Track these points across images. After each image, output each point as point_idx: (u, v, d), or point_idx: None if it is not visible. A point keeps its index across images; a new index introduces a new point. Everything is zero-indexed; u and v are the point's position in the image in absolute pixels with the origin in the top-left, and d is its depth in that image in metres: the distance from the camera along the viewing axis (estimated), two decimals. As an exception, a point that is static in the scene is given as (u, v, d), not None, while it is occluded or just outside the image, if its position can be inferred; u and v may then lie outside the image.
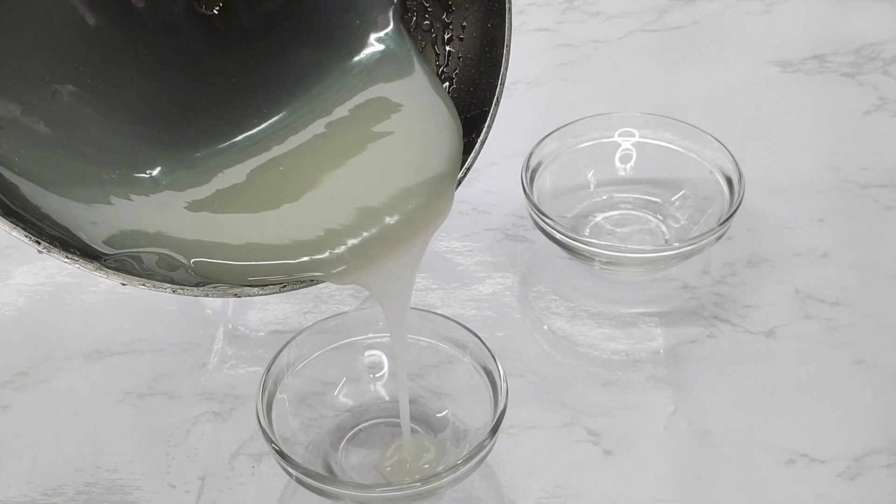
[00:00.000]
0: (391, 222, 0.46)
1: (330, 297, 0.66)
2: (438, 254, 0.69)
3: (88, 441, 0.59)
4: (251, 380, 0.61)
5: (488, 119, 0.49)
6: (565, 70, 0.85)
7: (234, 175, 0.48)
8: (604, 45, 0.87)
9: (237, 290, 0.44)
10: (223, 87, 0.50)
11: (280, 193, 0.47)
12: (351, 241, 0.45)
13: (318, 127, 0.50)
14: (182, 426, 0.59)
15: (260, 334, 0.64)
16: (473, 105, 0.50)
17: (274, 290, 0.45)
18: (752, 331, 0.63)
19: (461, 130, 0.49)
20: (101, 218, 0.44)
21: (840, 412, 0.59)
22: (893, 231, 0.70)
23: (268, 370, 0.55)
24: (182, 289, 0.42)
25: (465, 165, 0.48)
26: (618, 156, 0.72)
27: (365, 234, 0.46)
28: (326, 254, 0.45)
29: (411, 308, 0.59)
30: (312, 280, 0.45)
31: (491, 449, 0.53)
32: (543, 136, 0.69)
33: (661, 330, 0.64)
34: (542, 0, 0.91)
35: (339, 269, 0.45)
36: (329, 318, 0.58)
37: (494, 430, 0.52)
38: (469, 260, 0.69)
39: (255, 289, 0.44)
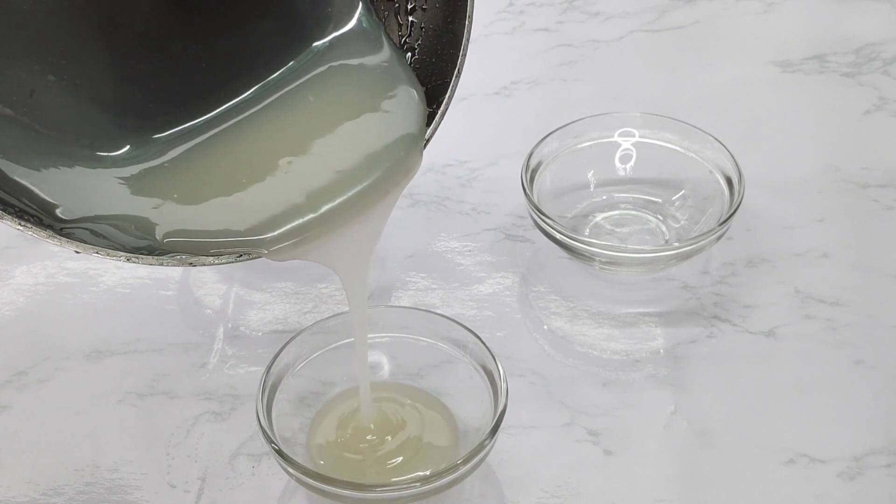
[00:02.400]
0: (330, 206, 0.46)
1: (330, 297, 0.66)
2: (438, 254, 0.69)
3: (88, 441, 0.59)
4: (251, 380, 0.61)
5: (449, 90, 0.49)
6: (565, 70, 0.85)
7: (199, 152, 0.49)
8: (604, 45, 0.87)
9: (193, 260, 0.44)
10: (191, 68, 0.50)
11: (243, 169, 0.48)
12: (287, 224, 0.46)
13: (282, 103, 0.50)
14: (182, 426, 0.59)
15: (260, 334, 0.64)
16: (435, 76, 0.50)
17: (230, 260, 0.45)
18: (752, 331, 0.63)
19: (424, 105, 0.49)
20: (63, 191, 0.45)
21: (840, 412, 0.59)
22: (893, 231, 0.70)
23: (268, 370, 0.55)
24: (137, 257, 0.43)
25: (425, 136, 0.48)
26: (618, 156, 0.72)
27: (305, 215, 0.46)
28: (266, 234, 0.45)
29: (412, 308, 0.59)
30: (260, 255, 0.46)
31: (491, 449, 0.53)
32: (543, 136, 0.69)
33: (661, 330, 0.64)
34: (542, 0, 0.91)
35: (276, 247, 0.46)
36: (329, 318, 0.58)
37: (494, 430, 0.52)
38: (469, 260, 0.69)
39: (211, 258, 0.44)
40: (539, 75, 0.84)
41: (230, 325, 0.65)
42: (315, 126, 0.49)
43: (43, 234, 0.41)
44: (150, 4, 0.49)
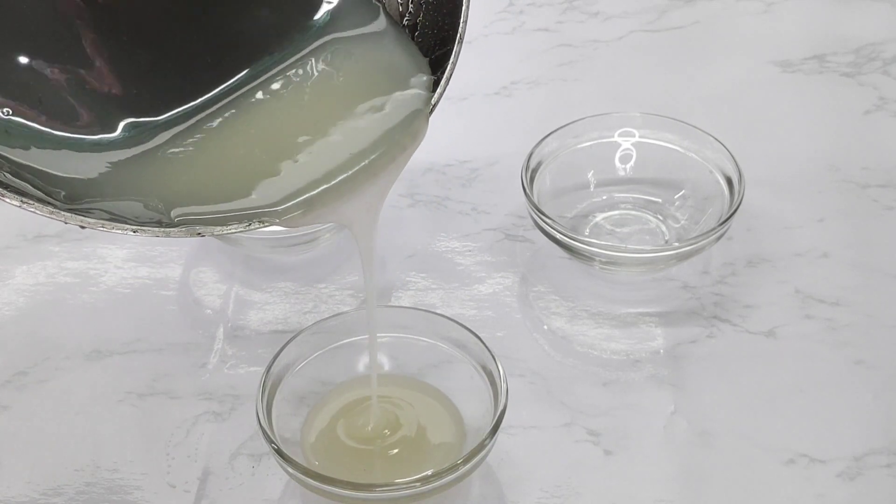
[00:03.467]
0: (339, 178, 0.46)
1: (330, 297, 0.66)
2: (438, 254, 0.69)
3: (88, 441, 0.59)
4: (251, 380, 0.61)
5: (452, 56, 0.49)
6: (565, 70, 0.85)
7: (204, 130, 0.49)
8: (604, 45, 0.87)
9: (201, 229, 0.44)
10: (192, 55, 0.51)
11: (248, 143, 0.48)
12: (294, 197, 0.46)
13: (284, 78, 0.51)
14: (182, 426, 0.59)
15: (260, 334, 0.64)
16: (437, 46, 0.50)
17: (239, 229, 0.45)
18: (752, 331, 0.63)
19: (428, 72, 0.50)
20: (74, 175, 0.45)
21: (840, 412, 0.59)
22: (893, 231, 0.70)
23: (268, 370, 0.55)
24: (143, 229, 0.43)
25: (431, 102, 0.49)
26: (618, 156, 0.72)
27: (313, 186, 0.46)
28: (279, 207, 0.46)
29: (412, 308, 0.59)
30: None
31: (491, 449, 0.53)
32: (543, 136, 0.69)
33: (661, 330, 0.64)
34: (542, 0, 0.91)
35: (287, 217, 0.46)
36: (329, 318, 0.58)
37: (494, 430, 0.52)
38: (469, 260, 0.69)
39: (220, 227, 0.44)
40: (539, 75, 0.84)
41: (230, 325, 0.65)
42: (318, 99, 0.50)
43: (45, 210, 0.41)
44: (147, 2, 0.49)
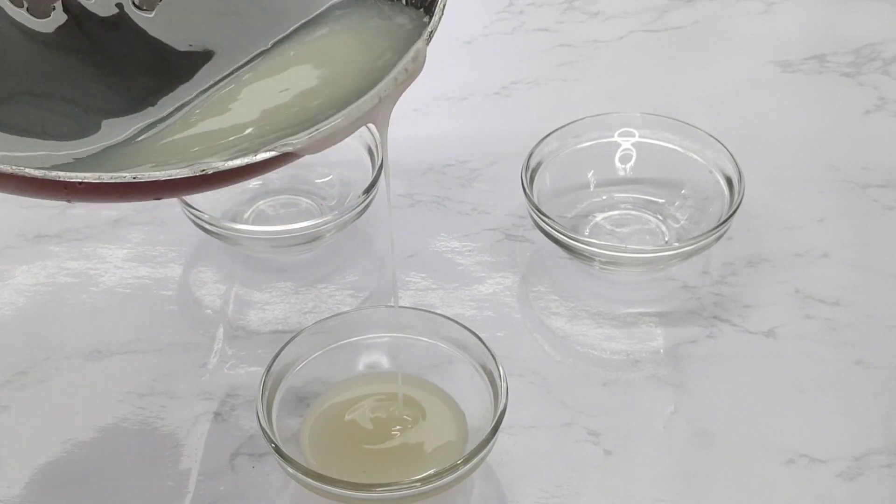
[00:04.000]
0: (349, 106, 0.47)
1: (330, 297, 0.66)
2: (438, 254, 0.69)
3: (88, 441, 0.59)
4: (251, 380, 0.61)
5: None
6: (565, 70, 0.85)
7: (210, 104, 0.50)
8: (604, 45, 0.87)
9: (203, 166, 0.43)
10: (190, 59, 0.52)
11: (258, 102, 0.50)
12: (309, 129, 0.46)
13: (281, 46, 0.52)
14: (182, 426, 0.59)
15: (260, 334, 0.64)
16: None
17: (245, 161, 0.43)
18: (752, 331, 0.63)
19: (421, 17, 0.51)
20: (74, 159, 0.46)
21: (840, 412, 0.59)
22: (893, 231, 0.70)
23: (268, 370, 0.55)
24: (142, 175, 0.42)
25: (429, 28, 0.49)
26: (618, 156, 0.72)
27: (327, 117, 0.47)
28: (293, 139, 0.45)
29: (411, 308, 0.59)
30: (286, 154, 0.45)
31: (491, 449, 0.53)
32: (543, 136, 0.69)
33: (661, 330, 0.64)
34: (542, 0, 0.91)
35: (300, 147, 0.46)
36: (329, 318, 0.58)
37: (494, 430, 0.52)
38: (469, 260, 0.69)
39: (229, 163, 0.43)
40: (539, 75, 0.84)
41: (230, 325, 0.65)
42: (320, 51, 0.51)
43: (37, 173, 0.40)
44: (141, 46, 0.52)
